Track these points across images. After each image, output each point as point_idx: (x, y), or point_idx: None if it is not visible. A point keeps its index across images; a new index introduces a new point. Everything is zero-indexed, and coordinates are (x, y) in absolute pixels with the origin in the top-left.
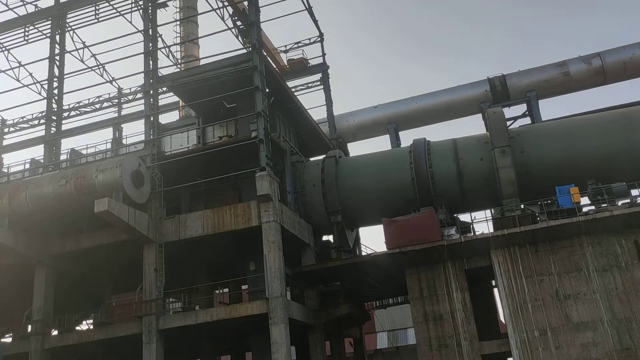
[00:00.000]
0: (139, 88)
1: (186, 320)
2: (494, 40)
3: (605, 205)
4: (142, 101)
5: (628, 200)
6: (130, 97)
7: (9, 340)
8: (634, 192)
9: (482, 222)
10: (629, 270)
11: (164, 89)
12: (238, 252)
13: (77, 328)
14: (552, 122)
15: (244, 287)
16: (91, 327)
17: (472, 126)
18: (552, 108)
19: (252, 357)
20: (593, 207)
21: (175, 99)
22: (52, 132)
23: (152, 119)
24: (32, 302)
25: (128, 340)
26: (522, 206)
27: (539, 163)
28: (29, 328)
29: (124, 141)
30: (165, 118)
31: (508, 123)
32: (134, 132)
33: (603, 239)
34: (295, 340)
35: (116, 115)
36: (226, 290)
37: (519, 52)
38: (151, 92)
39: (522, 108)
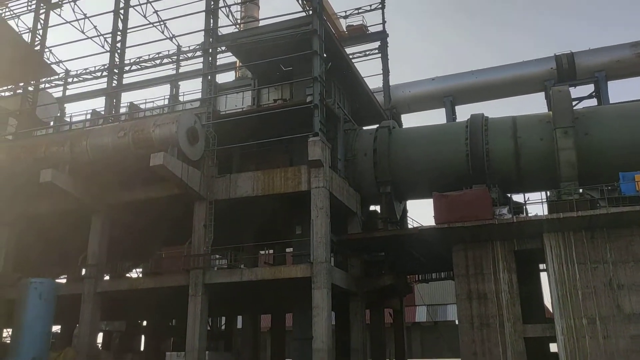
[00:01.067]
0: (198, 46)
1: (231, 277)
2: (561, 19)
3: None
4: (201, 59)
5: None
6: (189, 55)
7: (63, 281)
8: None
9: (535, 204)
10: None
11: (223, 48)
12: (285, 215)
13: (128, 275)
14: (621, 105)
15: (288, 249)
16: (141, 275)
17: (531, 106)
18: (621, 91)
19: (293, 318)
20: None
21: (233, 59)
22: (113, 84)
23: (209, 77)
24: (87, 248)
25: (175, 291)
26: (580, 190)
27: (603, 147)
28: (83, 272)
29: (180, 98)
30: (222, 78)
31: (573, 103)
32: (191, 89)
33: None
34: (336, 306)
35: (174, 72)
36: (271, 251)
37: (588, 32)
38: (210, 50)
39: (589, 89)
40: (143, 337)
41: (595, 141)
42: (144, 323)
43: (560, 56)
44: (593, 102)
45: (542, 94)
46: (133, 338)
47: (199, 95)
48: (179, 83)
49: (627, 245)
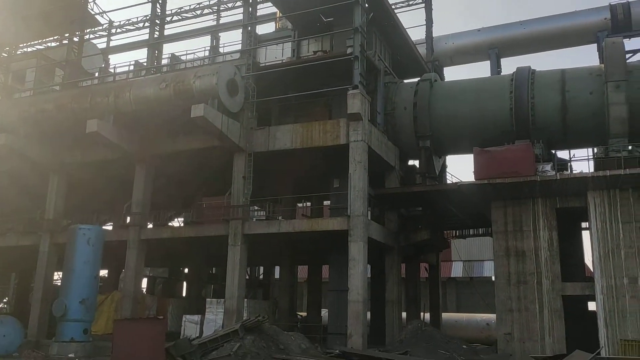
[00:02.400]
0: None
1: (269, 229)
2: None
3: None
4: (241, 10)
5: None
6: (229, 6)
7: (109, 228)
8: None
9: (581, 161)
10: None
11: None
12: (323, 168)
13: (170, 224)
14: None
15: (326, 202)
16: (182, 224)
17: (582, 59)
18: None
19: (329, 270)
20: None
21: (273, 9)
22: (155, 36)
23: (249, 28)
24: (132, 196)
25: (215, 241)
26: (630, 147)
27: None
28: (128, 219)
29: (220, 50)
30: (262, 29)
31: (627, 56)
32: (231, 41)
33: None
34: (372, 260)
35: (215, 23)
36: (309, 204)
37: None
38: (250, 1)
39: None
40: (185, 283)
41: None
42: (186, 270)
43: (615, 5)
44: None
45: (594, 46)
46: (175, 284)
47: (239, 47)
48: (220, 34)
49: None
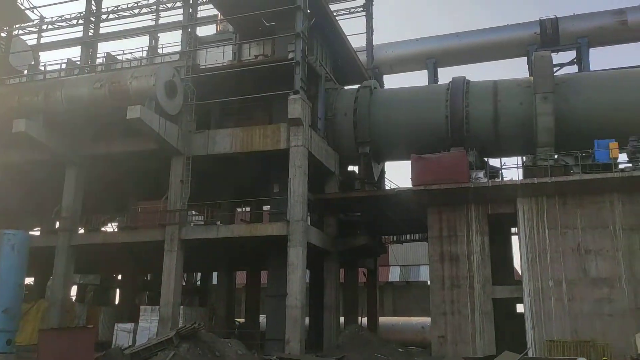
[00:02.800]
0: None
1: (207, 234)
2: None
3: None
4: (181, 11)
5: None
6: (168, 6)
7: (37, 233)
8: None
9: (511, 169)
10: None
11: None
12: (263, 173)
13: (103, 229)
14: (601, 72)
15: (265, 207)
16: (116, 229)
17: (514, 71)
18: (602, 58)
19: (268, 275)
20: (630, 165)
21: (214, 11)
22: (89, 34)
23: (189, 30)
24: (62, 200)
25: (150, 246)
26: (556, 156)
27: (581, 114)
28: (57, 224)
29: (159, 50)
30: (203, 31)
31: (554, 69)
32: (170, 42)
33: (635, 199)
34: (311, 264)
35: (153, 23)
36: (248, 209)
37: None
38: (190, 1)
39: (571, 55)
40: (118, 290)
41: (573, 108)
42: (119, 277)
43: (544, 21)
44: (574, 68)
45: (525, 59)
46: (107, 291)
47: (178, 48)
48: (158, 35)
49: (597, 211)
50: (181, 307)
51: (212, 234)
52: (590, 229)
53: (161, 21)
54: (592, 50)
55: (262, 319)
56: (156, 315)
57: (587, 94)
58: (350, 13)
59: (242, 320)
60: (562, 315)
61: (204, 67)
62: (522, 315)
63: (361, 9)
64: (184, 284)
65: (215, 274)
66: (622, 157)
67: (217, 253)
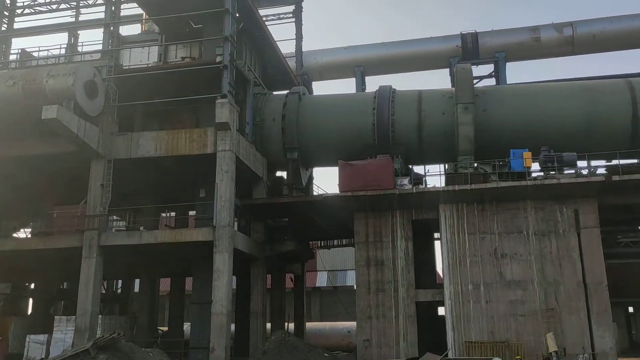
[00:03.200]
0: None
1: (129, 240)
2: None
3: (554, 172)
4: (103, 8)
5: (573, 171)
6: (90, 2)
7: None
8: (581, 163)
9: (434, 176)
10: (565, 237)
11: None
12: (189, 177)
13: (15, 235)
14: (517, 86)
15: (191, 212)
16: (29, 235)
17: (438, 81)
18: (518, 72)
19: (193, 282)
20: (542, 174)
21: (139, 10)
22: (3, 28)
23: (111, 28)
24: None
25: (67, 253)
26: (475, 164)
27: (498, 124)
28: None
29: (79, 49)
30: (126, 30)
31: (475, 81)
32: (91, 40)
33: (547, 205)
34: (238, 270)
35: (73, 19)
36: (173, 214)
37: (498, 11)
38: None
39: (489, 68)
40: (30, 299)
41: (492, 118)
42: (32, 285)
43: (465, 35)
44: (492, 81)
45: (447, 71)
46: (19, 301)
47: (100, 47)
48: (78, 32)
49: (512, 217)
50: (99, 316)
51: (134, 240)
52: (506, 234)
53: (82, 18)
54: (508, 64)
55: (187, 326)
56: (72, 325)
57: (504, 105)
58: (279, 19)
59: (165, 328)
60: (480, 317)
61: (127, 67)
62: (443, 317)
63: (290, 15)
64: (103, 292)
65: (137, 281)
66: (536, 166)
67: (139, 260)
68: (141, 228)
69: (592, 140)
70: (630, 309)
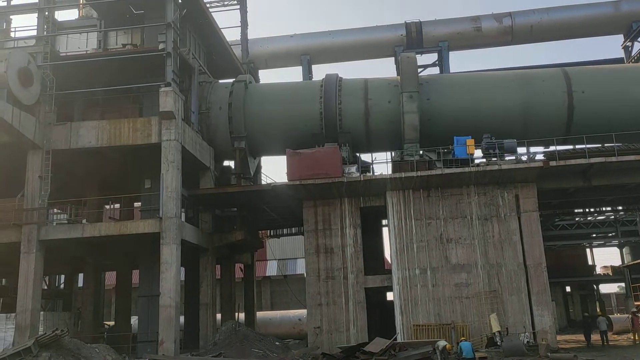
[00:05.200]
0: None
1: (71, 233)
2: None
3: (495, 159)
4: None
5: (514, 157)
6: None
7: None
8: (521, 149)
9: (381, 164)
10: (506, 221)
11: None
12: (133, 168)
13: None
14: (459, 75)
15: (136, 204)
16: None
17: (383, 70)
18: (462, 61)
19: (139, 275)
20: (484, 160)
21: None
22: None
23: (46, 13)
24: None
25: (4, 249)
26: (421, 152)
27: (442, 112)
28: None
29: (12, 34)
30: (63, 15)
31: (419, 70)
32: (25, 25)
33: (489, 190)
34: (186, 261)
35: (5, 3)
36: (117, 205)
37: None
38: None
39: (433, 57)
40: None
41: (436, 106)
42: None
43: (410, 24)
44: (436, 70)
45: (392, 59)
46: None
47: (34, 33)
48: (11, 17)
49: (457, 203)
50: (41, 313)
51: (77, 234)
52: (451, 219)
53: (14, 1)
54: (452, 53)
55: (134, 320)
56: (12, 323)
57: (447, 93)
58: (224, 5)
59: (111, 323)
60: (427, 301)
61: (64, 54)
62: (392, 302)
63: (235, 2)
64: (45, 287)
65: (81, 276)
66: (479, 153)
67: (83, 253)
68: (84, 221)
69: (530, 127)
70: (568, 289)
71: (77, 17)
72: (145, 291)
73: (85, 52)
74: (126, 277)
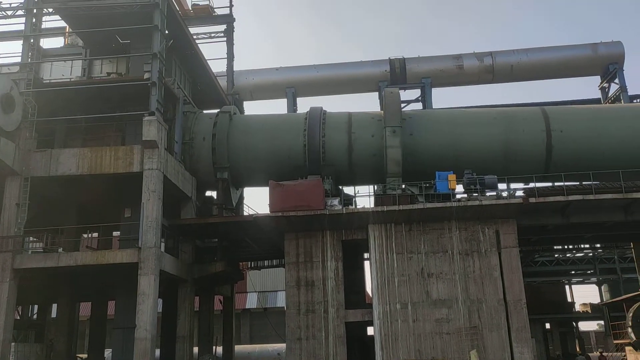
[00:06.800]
0: (21, 4)
1: (46, 262)
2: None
3: (477, 194)
4: (23, 19)
5: (494, 193)
6: (9, 13)
7: None
8: (502, 185)
9: (364, 197)
10: (487, 257)
11: (50, 9)
12: (114, 197)
13: None
14: (441, 111)
15: (115, 233)
16: None
17: (367, 104)
18: (443, 98)
19: (115, 306)
20: (465, 195)
21: (62, 23)
22: None
23: (31, 40)
24: None
25: None
26: (403, 186)
27: (424, 147)
28: None
29: None
30: (48, 43)
31: (402, 105)
32: (9, 52)
33: (470, 226)
34: (164, 293)
35: None
36: (96, 235)
37: (423, 41)
38: (34, 10)
39: (416, 93)
40: None
41: (419, 141)
42: None
43: (393, 60)
44: (419, 105)
45: (376, 94)
46: None
47: (19, 59)
48: None
49: (438, 237)
50: (13, 344)
51: (52, 263)
52: (432, 253)
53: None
54: (434, 90)
55: (108, 353)
56: None
57: (430, 129)
58: (211, 38)
59: (85, 355)
60: (407, 336)
61: (48, 81)
62: (372, 337)
63: (222, 34)
64: (17, 318)
65: (55, 306)
66: (460, 188)
67: (58, 283)
68: (60, 249)
69: (510, 164)
70: (547, 326)
71: (62, 44)
72: (120, 323)
73: (69, 80)
74: (102, 308)
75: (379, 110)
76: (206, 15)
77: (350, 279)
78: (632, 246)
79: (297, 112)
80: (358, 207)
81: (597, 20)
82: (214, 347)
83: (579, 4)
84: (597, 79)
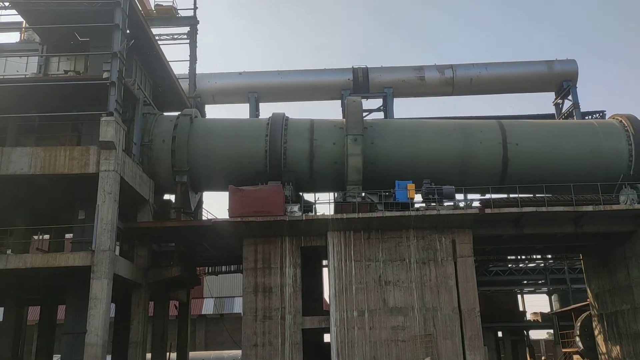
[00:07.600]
0: None
1: None
2: (369, 31)
3: (434, 204)
4: None
5: (452, 203)
6: None
7: None
8: (459, 196)
9: (324, 204)
10: (443, 265)
11: (6, 3)
12: (67, 198)
13: None
14: (403, 121)
15: (68, 235)
16: None
17: (330, 112)
18: (404, 108)
19: (66, 310)
20: (424, 205)
21: (18, 18)
22: None
23: None
24: None
25: None
26: (363, 194)
27: (385, 156)
28: None
29: None
30: (3, 38)
31: (364, 114)
32: None
33: (427, 235)
34: (117, 297)
35: None
36: (47, 236)
37: (389, 49)
38: None
39: (378, 102)
40: None
41: (379, 150)
42: None
43: (357, 69)
44: (381, 114)
45: (339, 102)
46: None
47: None
48: None
49: (396, 245)
50: None
51: (0, 265)
52: (390, 261)
53: None
54: (396, 100)
55: (56, 359)
56: None
57: (390, 138)
58: (173, 39)
59: None
60: (363, 344)
61: (1, 77)
62: (329, 344)
63: (185, 36)
64: None
65: (1, 310)
66: (419, 197)
67: (5, 286)
68: (8, 251)
69: (467, 175)
70: (500, 334)
71: (18, 40)
72: (71, 328)
73: (24, 77)
74: (51, 313)
75: (341, 118)
76: (169, 17)
77: (308, 286)
78: (581, 257)
79: (260, 117)
80: (318, 214)
81: (554, 38)
82: (167, 354)
83: (540, 21)
84: (551, 95)
